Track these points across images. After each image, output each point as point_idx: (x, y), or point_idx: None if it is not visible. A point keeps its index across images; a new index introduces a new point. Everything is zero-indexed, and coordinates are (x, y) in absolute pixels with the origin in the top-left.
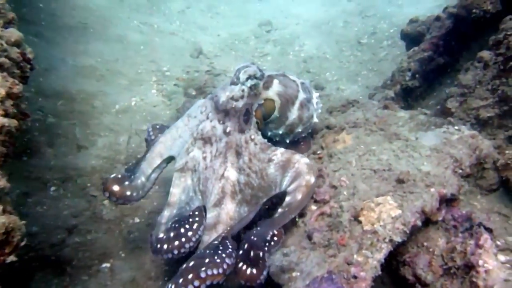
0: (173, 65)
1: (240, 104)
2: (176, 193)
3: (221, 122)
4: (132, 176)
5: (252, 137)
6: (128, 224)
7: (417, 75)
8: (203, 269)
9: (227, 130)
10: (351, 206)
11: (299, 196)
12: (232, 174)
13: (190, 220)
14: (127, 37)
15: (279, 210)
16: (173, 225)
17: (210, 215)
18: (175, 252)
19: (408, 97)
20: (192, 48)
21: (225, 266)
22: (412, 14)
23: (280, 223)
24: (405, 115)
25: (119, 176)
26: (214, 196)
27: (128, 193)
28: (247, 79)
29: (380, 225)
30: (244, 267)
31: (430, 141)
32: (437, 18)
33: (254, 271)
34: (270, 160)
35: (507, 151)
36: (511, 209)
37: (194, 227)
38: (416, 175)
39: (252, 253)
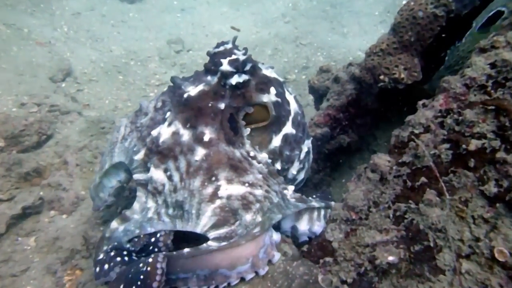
0: (5, 92)
1: (221, 105)
2: (135, 210)
3: (187, 125)
4: None
5: (252, 154)
6: None
7: None
8: None
9: (204, 138)
10: None
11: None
12: (235, 189)
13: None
14: None
15: None
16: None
17: (214, 237)
18: None
19: (305, 186)
20: (56, 67)
21: None
22: (356, 47)
23: None
24: None
25: None
26: (206, 219)
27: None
28: (232, 73)
29: None
30: None
31: None
32: (336, 79)
33: None
34: (283, 196)
35: None
36: None
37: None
38: None
39: None
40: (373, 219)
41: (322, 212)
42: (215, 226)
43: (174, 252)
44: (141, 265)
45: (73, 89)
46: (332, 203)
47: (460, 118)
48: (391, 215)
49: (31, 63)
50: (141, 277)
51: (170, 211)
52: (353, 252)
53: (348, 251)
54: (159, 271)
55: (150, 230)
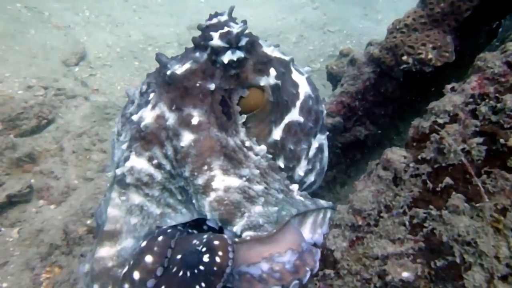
0: (14, 74)
1: (210, 85)
2: (118, 216)
3: (173, 107)
4: None
5: (247, 144)
6: None
7: None
8: None
9: (192, 121)
10: None
11: None
12: (232, 181)
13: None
14: None
15: None
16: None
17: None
18: None
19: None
20: (70, 50)
21: None
22: None
23: None
24: None
25: None
26: (209, 215)
27: None
28: (226, 48)
29: None
30: None
31: None
32: (352, 61)
33: None
34: (288, 193)
35: None
36: None
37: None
38: None
39: None
40: (384, 226)
41: (328, 214)
42: (226, 222)
43: (236, 239)
44: (197, 243)
45: (86, 73)
46: (339, 205)
47: (499, 105)
48: (406, 223)
49: (45, 46)
50: (203, 269)
51: (179, 197)
52: (359, 264)
53: (353, 263)
54: (228, 269)
55: (170, 222)
